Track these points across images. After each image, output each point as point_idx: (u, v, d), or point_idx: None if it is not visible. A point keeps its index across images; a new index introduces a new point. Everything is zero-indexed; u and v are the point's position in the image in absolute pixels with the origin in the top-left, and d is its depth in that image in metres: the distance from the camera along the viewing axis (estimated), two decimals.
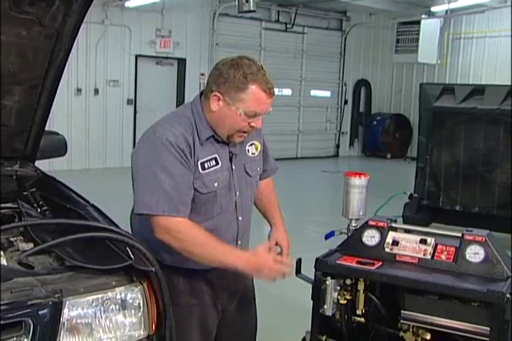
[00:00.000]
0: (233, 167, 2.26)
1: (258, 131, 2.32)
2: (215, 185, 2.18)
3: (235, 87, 2.08)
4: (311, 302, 2.30)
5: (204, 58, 12.45)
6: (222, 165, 2.22)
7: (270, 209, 2.57)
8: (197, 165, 2.15)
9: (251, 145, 2.35)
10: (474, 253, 2.19)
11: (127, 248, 1.82)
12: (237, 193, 2.28)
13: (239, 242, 2.33)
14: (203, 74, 12.41)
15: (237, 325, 2.47)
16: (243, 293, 2.46)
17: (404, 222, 6.44)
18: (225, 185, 2.23)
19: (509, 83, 8.55)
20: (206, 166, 2.17)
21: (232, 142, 2.23)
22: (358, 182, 2.45)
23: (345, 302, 2.24)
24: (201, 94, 2.24)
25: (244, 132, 2.18)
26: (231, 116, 2.12)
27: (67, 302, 1.63)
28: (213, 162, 2.19)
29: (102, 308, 1.73)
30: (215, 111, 2.13)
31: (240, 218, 2.31)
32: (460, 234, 2.26)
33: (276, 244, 2.46)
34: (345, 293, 2.24)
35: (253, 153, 2.36)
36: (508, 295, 1.98)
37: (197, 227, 2.11)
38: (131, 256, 1.79)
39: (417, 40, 12.84)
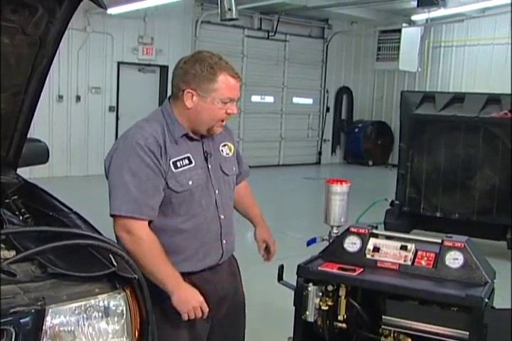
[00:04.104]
0: (209, 166, 2.31)
1: (230, 133, 2.45)
2: (190, 183, 2.23)
3: (206, 79, 2.16)
4: (293, 308, 2.32)
5: None
6: (196, 164, 2.26)
7: (252, 209, 2.65)
8: (169, 165, 2.19)
9: (224, 145, 2.41)
10: (454, 259, 2.22)
11: (110, 255, 1.82)
12: (216, 192, 2.32)
13: (223, 241, 2.36)
14: None
15: (225, 333, 2.48)
16: (233, 300, 2.47)
17: (386, 229, 6.48)
18: (201, 183, 2.27)
19: (488, 91, 8.65)
20: (179, 165, 2.21)
21: (213, 133, 2.29)
22: (340, 189, 2.47)
23: (326, 308, 2.26)
24: (169, 98, 2.32)
25: (223, 121, 2.26)
26: (208, 108, 2.19)
27: (50, 310, 1.62)
28: (186, 161, 2.23)
29: (85, 316, 1.73)
30: (191, 107, 2.21)
31: (222, 216, 2.34)
32: (440, 240, 2.29)
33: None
34: (326, 299, 2.26)
35: (227, 154, 2.42)
36: (486, 300, 2.01)
37: (157, 241, 2.17)
38: (114, 263, 1.79)
39: (398, 48, 12.98)
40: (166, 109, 2.29)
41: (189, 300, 2.17)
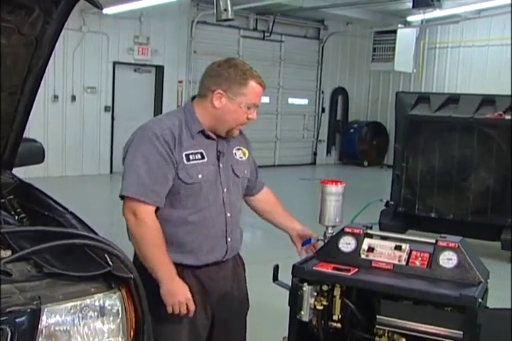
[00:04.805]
0: (220, 165, 2.40)
1: (246, 140, 2.59)
2: (199, 176, 2.32)
3: (237, 83, 2.31)
4: (288, 308, 2.32)
5: (182, 66, 12.47)
6: (208, 160, 2.36)
7: (287, 217, 2.74)
8: (182, 156, 2.30)
9: (238, 149, 2.51)
10: (448, 259, 2.22)
11: (106, 255, 1.83)
12: (225, 190, 2.41)
13: (228, 239, 2.44)
14: (180, 82, 12.43)
15: (226, 332, 2.54)
16: (235, 299, 2.54)
17: (381, 229, 6.50)
18: (210, 179, 2.36)
19: (482, 92, 8.67)
20: (191, 158, 2.32)
21: (230, 136, 2.42)
22: (335, 189, 2.48)
23: (321, 308, 2.26)
24: (192, 98, 2.45)
25: (242, 125, 2.43)
26: (234, 110, 2.34)
27: (46, 310, 1.63)
28: (199, 156, 2.34)
29: (81, 315, 1.73)
30: (219, 107, 2.33)
31: (229, 214, 2.43)
32: (434, 241, 2.30)
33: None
34: (321, 298, 2.26)
35: (240, 157, 2.51)
36: (480, 300, 2.02)
37: (160, 230, 2.27)
38: (110, 262, 1.80)
39: (394, 49, 13.01)
40: (187, 107, 2.42)
41: (176, 294, 2.25)
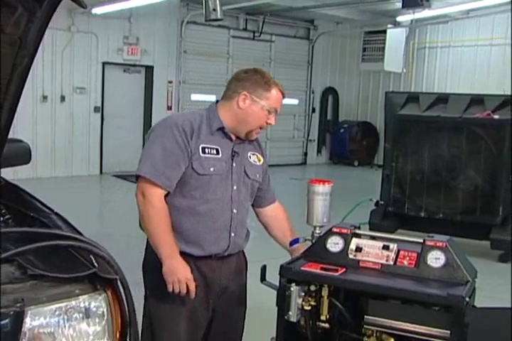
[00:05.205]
0: (234, 164, 2.54)
1: (261, 148, 2.73)
2: (211, 169, 2.46)
3: (262, 87, 2.50)
4: (276, 308, 2.31)
5: (172, 66, 12.44)
6: (222, 157, 2.50)
7: (291, 237, 2.72)
8: (198, 148, 2.45)
9: (253, 154, 2.66)
10: (435, 259, 2.22)
11: (91, 256, 1.81)
12: (234, 188, 2.53)
13: (232, 234, 2.54)
14: (170, 82, 12.40)
15: (224, 328, 2.64)
16: (235, 296, 2.63)
17: (371, 229, 6.50)
18: (221, 174, 2.49)
19: (471, 91, 8.72)
20: (207, 151, 2.47)
21: (249, 138, 2.58)
22: (322, 189, 2.48)
23: (309, 308, 2.26)
24: (216, 102, 2.62)
25: (261, 128, 2.57)
26: (256, 112, 2.50)
27: (29, 312, 1.61)
28: (214, 151, 2.49)
29: (66, 317, 1.71)
30: (243, 108, 2.50)
31: (235, 211, 2.54)
32: (422, 240, 2.30)
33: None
34: (309, 299, 2.26)
35: (254, 161, 2.65)
36: (467, 299, 2.02)
37: (167, 212, 2.42)
38: (95, 264, 1.78)
39: (383, 48, 13.05)
40: (211, 108, 2.59)
41: (176, 272, 2.36)
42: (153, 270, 2.48)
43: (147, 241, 2.53)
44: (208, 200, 2.47)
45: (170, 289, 2.38)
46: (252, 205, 2.75)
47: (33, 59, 2.19)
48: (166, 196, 2.45)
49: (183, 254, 2.43)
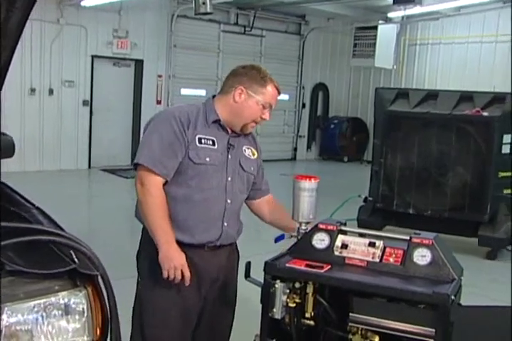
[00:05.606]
0: (229, 156, 2.60)
1: (256, 142, 2.79)
2: (207, 159, 2.52)
3: (258, 82, 2.57)
4: (260, 305, 2.29)
5: (162, 60, 12.37)
6: (218, 148, 2.56)
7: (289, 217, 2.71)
8: (194, 138, 2.51)
9: (248, 148, 2.72)
10: (421, 256, 2.21)
11: (71, 251, 1.77)
12: (229, 179, 2.59)
13: (225, 223, 2.59)
14: (160, 76, 12.33)
15: (214, 318, 2.68)
16: (225, 288, 2.66)
17: (359, 225, 6.51)
18: (216, 164, 2.55)
19: (461, 88, 8.72)
20: (203, 141, 2.53)
21: (244, 132, 2.64)
22: (308, 185, 2.45)
23: (294, 305, 2.24)
24: (213, 96, 2.68)
25: (256, 123, 2.63)
26: (251, 106, 2.57)
27: (6, 308, 1.58)
28: (210, 142, 2.55)
29: (44, 314, 1.68)
30: (239, 102, 2.57)
31: (229, 201, 2.59)
32: (408, 237, 2.28)
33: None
34: (294, 296, 2.23)
35: (249, 155, 2.71)
36: (452, 297, 2.00)
37: (164, 200, 2.48)
38: (76, 259, 1.75)
39: (374, 45, 13.04)
40: (207, 102, 2.66)
41: (171, 258, 2.41)
42: (147, 257, 2.53)
43: (143, 229, 2.59)
44: (203, 189, 2.53)
45: (165, 275, 2.42)
46: (246, 199, 2.76)
47: (14, 50, 2.15)
48: (163, 185, 2.51)
49: (176, 243, 2.48)
